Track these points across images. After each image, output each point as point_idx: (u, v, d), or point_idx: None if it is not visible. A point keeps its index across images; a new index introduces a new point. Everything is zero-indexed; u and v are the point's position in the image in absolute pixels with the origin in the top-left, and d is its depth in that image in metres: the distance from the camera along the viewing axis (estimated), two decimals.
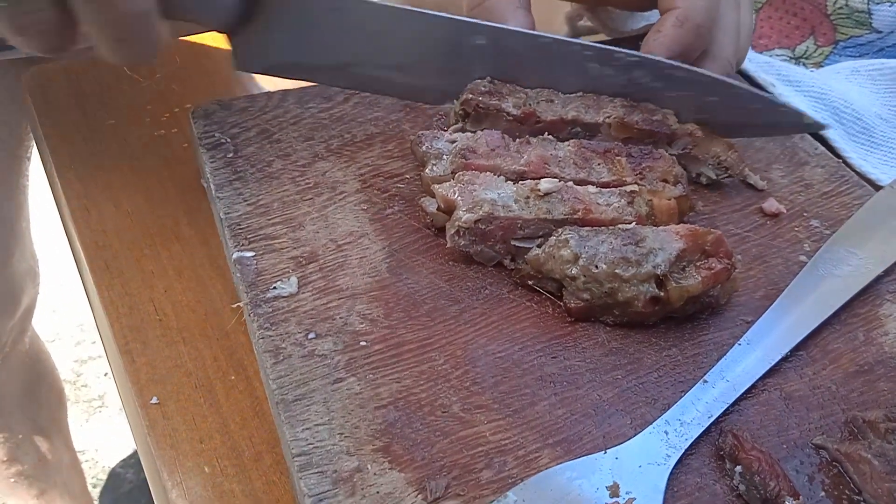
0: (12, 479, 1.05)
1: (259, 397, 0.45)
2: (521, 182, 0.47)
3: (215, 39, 0.68)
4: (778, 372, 0.43)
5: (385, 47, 0.51)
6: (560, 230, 0.45)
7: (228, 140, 0.53)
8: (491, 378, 0.42)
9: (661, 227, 0.45)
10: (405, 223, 0.49)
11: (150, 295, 0.49)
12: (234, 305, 0.47)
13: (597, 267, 0.43)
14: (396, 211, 0.50)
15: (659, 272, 0.43)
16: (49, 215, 0.60)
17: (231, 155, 0.52)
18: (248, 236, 0.47)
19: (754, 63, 0.61)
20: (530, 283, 0.46)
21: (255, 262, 0.46)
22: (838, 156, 0.57)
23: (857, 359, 0.44)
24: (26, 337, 1.03)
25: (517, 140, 0.50)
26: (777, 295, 0.46)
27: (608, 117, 0.51)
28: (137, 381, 0.45)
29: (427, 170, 0.49)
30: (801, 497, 0.37)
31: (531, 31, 0.52)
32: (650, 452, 0.39)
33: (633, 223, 0.45)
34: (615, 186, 0.48)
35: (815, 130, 0.55)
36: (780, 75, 0.60)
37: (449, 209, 0.47)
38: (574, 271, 0.44)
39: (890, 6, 0.63)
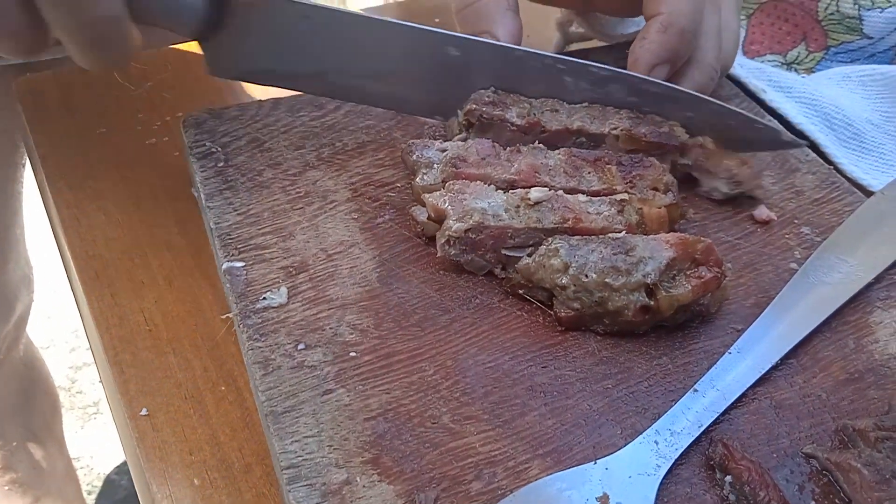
0: (6, 487, 1.05)
1: (249, 408, 0.45)
2: (511, 191, 0.47)
3: None
4: (768, 380, 0.43)
5: (357, 55, 0.51)
6: (550, 239, 0.45)
7: (219, 149, 0.53)
8: (481, 388, 0.42)
9: (650, 236, 0.45)
10: (396, 232, 0.49)
11: (140, 305, 0.49)
12: (224, 316, 0.47)
13: (587, 276, 0.43)
14: (387, 220, 0.50)
15: (649, 281, 0.43)
16: (43, 222, 0.60)
17: (221, 164, 0.52)
18: (238, 246, 0.47)
19: (745, 69, 0.62)
20: (521, 292, 0.46)
21: (244, 272, 0.46)
22: (829, 162, 0.57)
23: (847, 367, 0.44)
24: (21, 344, 1.03)
25: (507, 149, 0.50)
26: (767, 303, 0.46)
27: (614, 129, 0.51)
28: (127, 392, 0.45)
29: (417, 179, 0.49)
30: None
31: (502, 44, 0.52)
32: (640, 463, 0.39)
33: (623, 232, 0.45)
34: (605, 195, 0.48)
35: (793, 147, 0.54)
36: (771, 81, 0.61)
37: (439, 218, 0.47)
38: (564, 280, 0.44)
39: (881, 12, 0.63)
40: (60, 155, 0.59)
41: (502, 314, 0.45)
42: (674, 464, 0.39)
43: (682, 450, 0.40)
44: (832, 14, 0.65)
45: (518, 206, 0.46)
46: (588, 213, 0.46)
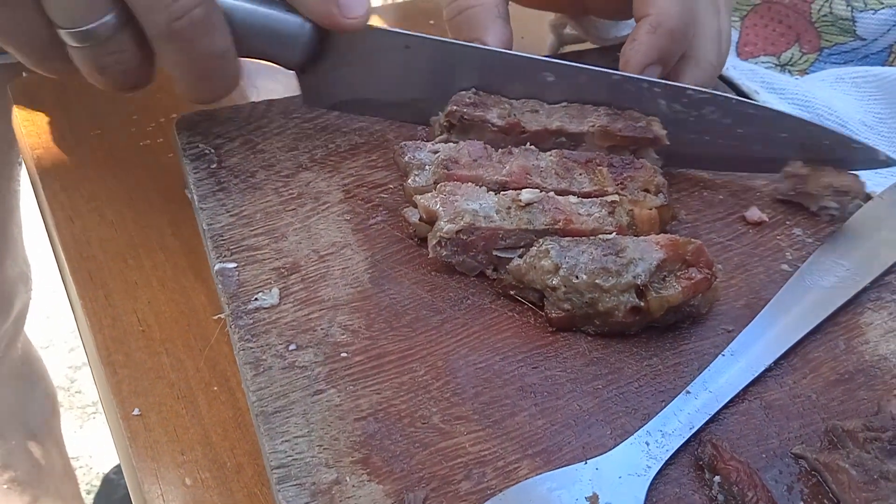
0: (5, 486, 1.05)
1: (241, 408, 0.45)
2: (502, 193, 0.47)
3: None
4: (758, 381, 0.43)
5: (453, 84, 0.52)
6: (541, 240, 0.45)
7: (212, 150, 0.53)
8: (471, 389, 0.42)
9: (641, 238, 0.45)
10: (388, 233, 0.49)
11: (133, 306, 0.49)
12: (217, 317, 0.47)
13: (577, 277, 0.44)
14: (379, 221, 0.50)
15: (639, 282, 0.43)
16: (40, 221, 0.60)
17: (214, 165, 0.52)
18: (231, 247, 0.47)
19: (738, 70, 0.62)
20: (512, 293, 0.46)
21: (237, 273, 0.46)
22: None
23: (837, 367, 0.45)
24: (19, 343, 1.03)
25: (499, 150, 0.50)
26: (758, 304, 0.46)
27: (592, 126, 0.51)
28: (119, 392, 0.45)
29: (410, 180, 0.49)
30: None
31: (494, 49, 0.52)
32: (631, 463, 0.39)
33: (614, 233, 0.46)
34: (597, 196, 0.48)
35: (889, 166, 0.51)
36: (763, 83, 0.61)
37: (431, 219, 0.47)
38: (555, 282, 0.44)
39: (873, 14, 0.63)
40: (55, 156, 0.59)
41: (493, 315, 0.46)
42: (664, 464, 0.39)
43: (673, 451, 0.40)
44: (825, 16, 0.65)
45: (509, 208, 0.46)
46: (579, 214, 0.46)
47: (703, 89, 0.52)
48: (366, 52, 0.51)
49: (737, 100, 0.52)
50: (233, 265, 0.46)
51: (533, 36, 0.68)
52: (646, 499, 0.38)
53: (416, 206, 0.48)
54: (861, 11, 0.64)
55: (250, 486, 0.42)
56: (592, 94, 0.52)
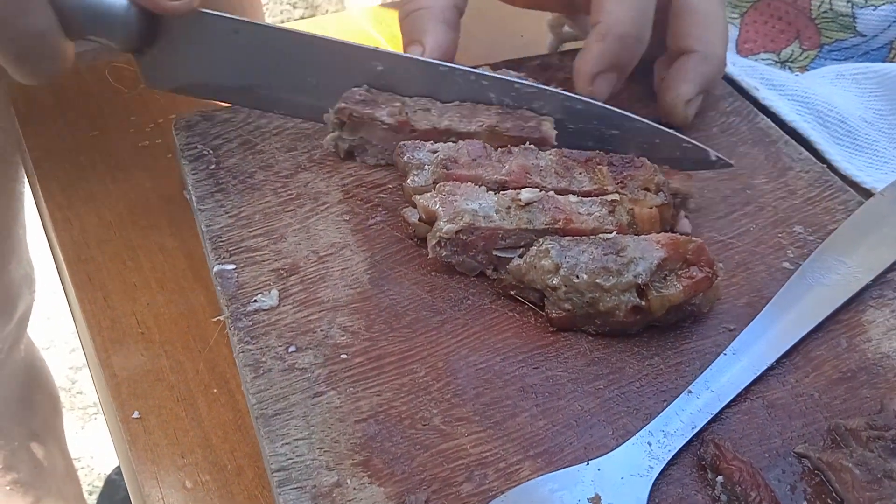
0: (8, 487, 1.05)
1: (241, 411, 0.45)
2: (502, 192, 0.47)
3: None
4: (760, 380, 0.43)
5: (286, 70, 0.52)
6: (541, 240, 0.45)
7: (210, 151, 0.53)
8: (472, 390, 0.42)
9: (641, 237, 0.45)
10: (387, 234, 0.49)
11: (132, 308, 0.49)
12: (216, 319, 0.47)
13: (578, 277, 0.43)
14: (379, 221, 0.50)
15: (640, 281, 0.43)
16: (40, 223, 0.60)
17: (213, 166, 0.52)
18: (230, 249, 0.47)
19: (738, 67, 0.61)
20: (512, 293, 0.46)
21: (235, 274, 0.46)
22: (822, 160, 0.57)
23: (839, 366, 0.44)
24: (22, 344, 1.03)
25: (499, 150, 0.49)
26: (760, 302, 0.46)
27: (480, 125, 0.51)
28: (119, 395, 0.45)
29: (409, 180, 0.49)
30: None
31: (422, 59, 0.52)
32: (633, 464, 0.39)
33: (614, 232, 0.45)
34: (597, 195, 0.48)
35: (723, 168, 0.52)
36: (763, 79, 0.60)
37: (430, 219, 0.47)
38: (555, 281, 0.44)
39: (874, 10, 0.63)
40: (53, 157, 0.59)
41: (494, 315, 0.45)
42: (666, 464, 0.39)
43: (676, 451, 0.40)
44: (825, 12, 0.65)
45: (509, 207, 0.46)
46: (579, 213, 0.46)
47: (530, 83, 0.52)
48: (196, 35, 0.50)
49: (565, 95, 0.51)
50: (232, 267, 0.46)
51: (532, 35, 0.68)
52: (648, 499, 0.38)
53: (415, 206, 0.47)
54: (861, 8, 0.64)
55: (251, 489, 0.42)
56: (414, 85, 0.52)
